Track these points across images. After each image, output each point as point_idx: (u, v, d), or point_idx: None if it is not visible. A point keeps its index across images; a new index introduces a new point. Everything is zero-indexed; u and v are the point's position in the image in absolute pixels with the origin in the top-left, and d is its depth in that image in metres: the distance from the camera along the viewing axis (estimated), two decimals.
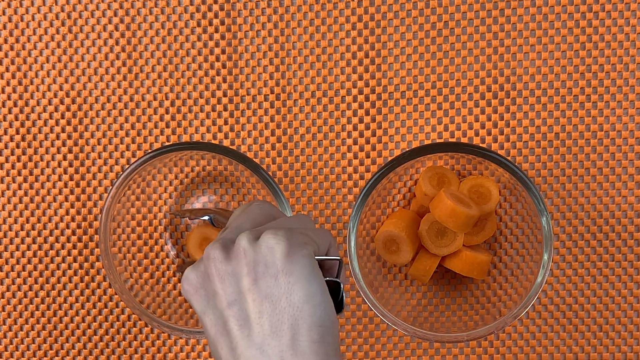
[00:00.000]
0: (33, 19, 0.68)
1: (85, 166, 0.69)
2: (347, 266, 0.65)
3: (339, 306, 0.47)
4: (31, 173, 0.69)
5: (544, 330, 0.68)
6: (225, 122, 0.68)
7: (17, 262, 0.70)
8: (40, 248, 0.70)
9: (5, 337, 0.71)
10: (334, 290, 0.46)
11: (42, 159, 0.69)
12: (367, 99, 0.67)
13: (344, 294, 0.47)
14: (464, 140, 0.67)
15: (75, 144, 0.69)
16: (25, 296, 0.70)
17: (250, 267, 0.44)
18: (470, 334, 0.62)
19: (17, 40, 0.69)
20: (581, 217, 0.67)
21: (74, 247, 0.70)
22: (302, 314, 0.43)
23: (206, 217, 0.64)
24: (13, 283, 0.70)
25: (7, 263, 0.70)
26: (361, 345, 0.69)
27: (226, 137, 0.68)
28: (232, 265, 0.45)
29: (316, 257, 0.45)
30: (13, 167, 0.69)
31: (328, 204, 0.68)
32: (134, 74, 0.68)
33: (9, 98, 0.69)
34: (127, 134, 0.69)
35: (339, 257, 0.47)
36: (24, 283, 0.70)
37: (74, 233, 0.70)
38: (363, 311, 0.69)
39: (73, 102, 0.69)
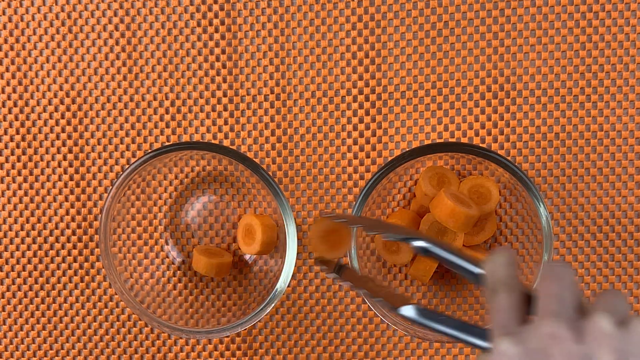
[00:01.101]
0: (33, 19, 0.68)
1: (85, 166, 0.69)
2: (346, 266, 0.65)
3: None
4: (31, 173, 0.69)
5: None
6: (225, 122, 0.68)
7: (17, 262, 0.70)
8: (40, 248, 0.70)
9: (5, 337, 0.71)
10: None
11: (42, 159, 0.69)
12: (367, 99, 0.67)
13: None
14: (464, 140, 0.67)
15: (75, 144, 0.69)
16: (25, 296, 0.70)
17: (616, 355, 0.38)
18: None
19: (17, 40, 0.69)
20: (581, 217, 0.67)
21: (74, 247, 0.70)
22: None
23: (421, 244, 0.49)
24: (13, 283, 0.70)
25: (7, 263, 0.70)
26: (361, 345, 0.69)
27: (226, 137, 0.68)
28: (586, 346, 0.39)
29: None
30: (13, 167, 0.69)
31: (328, 204, 0.68)
32: (134, 74, 0.68)
33: (9, 98, 0.69)
34: (127, 134, 0.69)
35: None
36: (24, 283, 0.70)
37: (74, 233, 0.70)
38: (363, 311, 0.69)
39: (73, 102, 0.69)
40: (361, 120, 0.67)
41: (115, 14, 0.68)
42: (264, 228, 0.65)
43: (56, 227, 0.70)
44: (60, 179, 0.69)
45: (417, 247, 0.49)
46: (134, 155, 0.69)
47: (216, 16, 0.68)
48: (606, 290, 0.43)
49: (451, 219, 0.60)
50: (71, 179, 0.69)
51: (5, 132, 0.69)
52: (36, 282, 0.70)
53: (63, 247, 0.70)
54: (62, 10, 0.68)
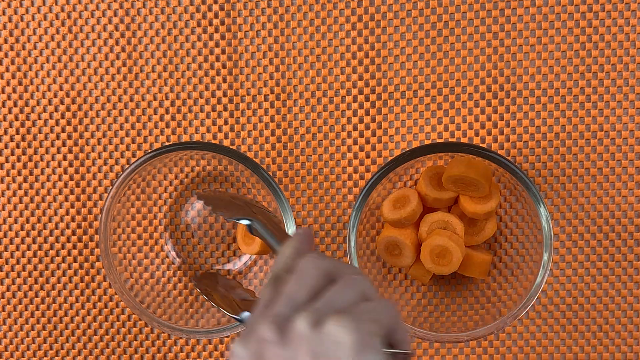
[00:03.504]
0: (33, 19, 0.68)
1: (85, 166, 0.69)
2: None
3: None
4: (31, 173, 0.69)
5: (544, 330, 0.68)
6: (225, 122, 0.68)
7: (17, 262, 0.70)
8: (40, 248, 0.70)
9: (5, 337, 0.71)
10: None
11: (42, 159, 0.69)
12: (367, 99, 0.67)
13: None
14: (464, 140, 0.67)
15: (75, 144, 0.69)
16: (25, 296, 0.70)
17: (311, 357, 0.40)
18: (470, 334, 0.62)
19: (17, 40, 0.69)
20: (581, 217, 0.67)
21: (74, 247, 0.70)
22: None
23: (245, 222, 0.56)
24: (13, 283, 0.70)
25: (7, 263, 0.70)
26: None
27: (226, 137, 0.68)
28: (289, 350, 0.40)
29: (385, 350, 0.42)
30: (13, 167, 0.69)
31: (328, 204, 0.68)
32: (134, 74, 0.68)
33: (9, 98, 0.69)
34: (127, 134, 0.69)
35: (409, 351, 0.43)
36: (24, 283, 0.70)
37: (74, 233, 0.70)
38: None
39: (73, 102, 0.69)
40: (361, 120, 0.67)
41: (115, 14, 0.68)
42: None
43: (56, 227, 0.70)
44: (60, 179, 0.69)
45: (244, 225, 0.55)
46: (134, 155, 0.69)
47: (216, 16, 0.68)
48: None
49: (471, 169, 0.60)
50: (71, 179, 0.69)
51: (5, 132, 0.69)
52: (36, 282, 0.70)
53: (63, 247, 0.70)
54: (62, 10, 0.68)
